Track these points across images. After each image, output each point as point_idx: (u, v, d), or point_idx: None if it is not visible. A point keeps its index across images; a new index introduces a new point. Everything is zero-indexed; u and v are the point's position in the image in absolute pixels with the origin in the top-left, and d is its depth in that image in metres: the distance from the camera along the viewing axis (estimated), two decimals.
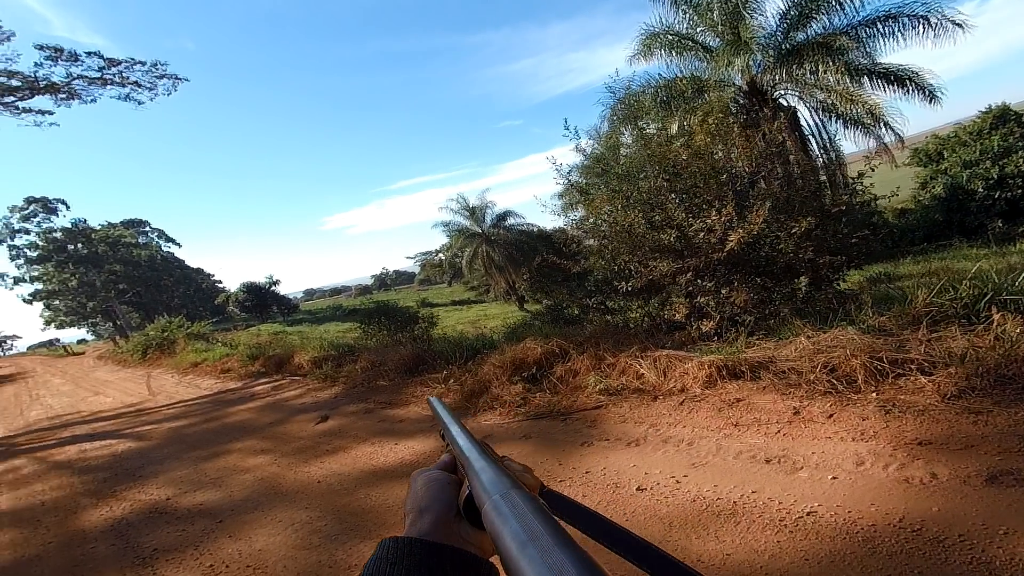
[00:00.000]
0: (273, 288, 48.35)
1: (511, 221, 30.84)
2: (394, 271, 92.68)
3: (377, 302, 11.20)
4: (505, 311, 28.68)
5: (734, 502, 2.61)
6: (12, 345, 68.67)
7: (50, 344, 57.55)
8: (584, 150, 6.66)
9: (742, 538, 2.31)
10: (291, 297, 57.91)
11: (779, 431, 3.28)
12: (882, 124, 13.45)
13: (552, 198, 22.66)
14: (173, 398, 10.09)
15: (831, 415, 3.29)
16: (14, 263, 38.86)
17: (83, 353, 34.75)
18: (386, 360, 7.51)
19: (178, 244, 51.11)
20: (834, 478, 2.63)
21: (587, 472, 3.31)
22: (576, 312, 7.61)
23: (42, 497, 5.11)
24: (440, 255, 47.91)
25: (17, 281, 39.11)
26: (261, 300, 46.49)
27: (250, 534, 3.40)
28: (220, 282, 57.91)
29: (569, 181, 6.29)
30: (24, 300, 39.48)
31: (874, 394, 3.42)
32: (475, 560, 0.46)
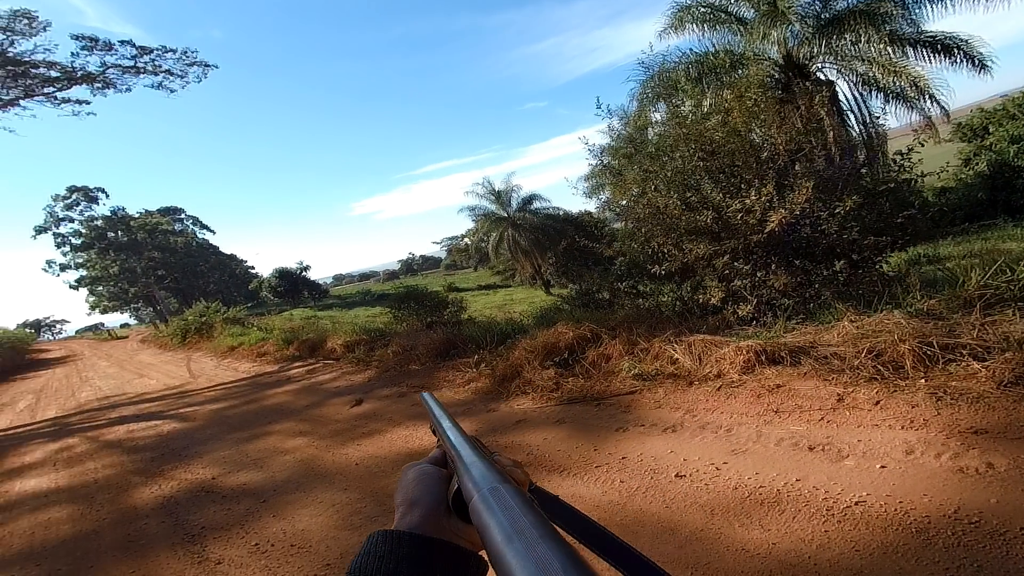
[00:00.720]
0: (304, 274, 49.40)
1: (537, 205, 30.69)
2: (420, 256, 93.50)
3: (407, 287, 11.31)
4: (531, 295, 28.70)
5: (777, 490, 2.56)
6: (62, 329, 72.00)
7: (96, 328, 60.04)
8: (616, 129, 6.53)
9: (787, 527, 2.26)
10: (321, 282, 59.08)
11: (822, 418, 3.19)
12: (927, 97, 12.81)
13: (578, 180, 22.36)
14: (213, 381, 10.43)
15: (877, 402, 3.19)
16: (60, 250, 40.52)
17: (126, 337, 36.22)
18: (417, 345, 7.59)
19: (212, 231, 52.37)
20: (883, 467, 2.55)
21: (623, 457, 3.29)
22: (606, 296, 7.54)
23: (95, 475, 5.35)
24: (466, 240, 48.12)
25: (64, 268, 40.80)
26: (293, 285, 47.57)
27: (293, 514, 3.50)
28: (253, 268, 59.34)
29: (602, 162, 6.16)
30: (71, 286, 41.22)
31: (923, 380, 3.30)
32: (464, 553, 0.47)
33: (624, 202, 6.37)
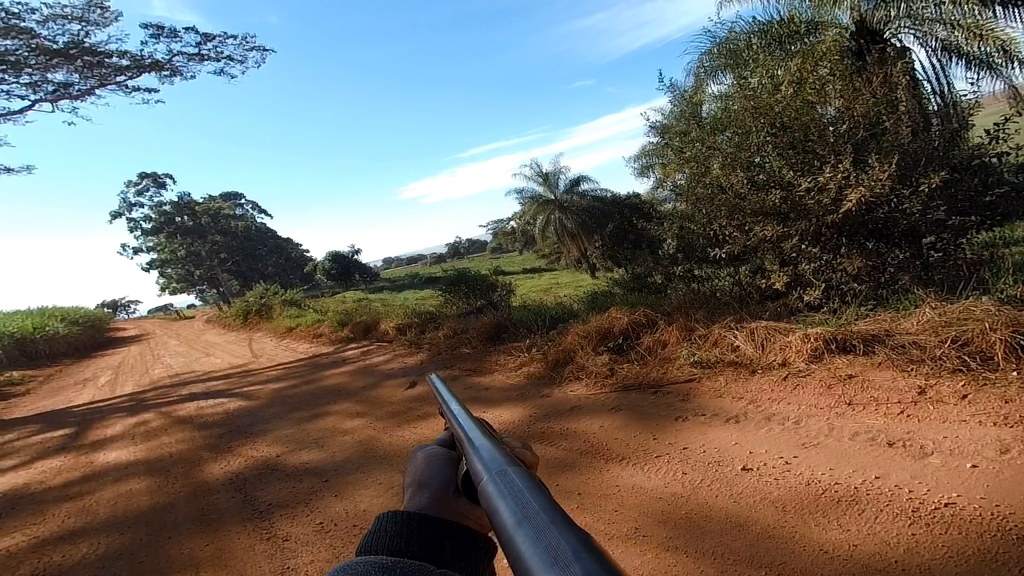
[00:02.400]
0: (356, 257, 50.74)
1: (585, 187, 30.16)
2: (467, 239, 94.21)
3: (457, 270, 11.38)
4: (577, 279, 28.43)
5: (855, 488, 2.41)
6: (135, 309, 76.77)
7: (165, 309, 63.81)
8: (675, 103, 6.26)
9: (869, 528, 2.13)
10: (372, 265, 60.60)
11: (902, 412, 2.99)
12: (1015, 63, 11.70)
13: (629, 160, 21.80)
14: (273, 360, 10.89)
15: (964, 396, 2.96)
16: (132, 234, 43.11)
17: (193, 317, 38.36)
18: (468, 328, 7.65)
19: (270, 215, 54.32)
20: (974, 466, 2.36)
21: (685, 448, 3.19)
22: (659, 280, 7.33)
23: (169, 449, 5.68)
24: (512, 223, 48.04)
25: (136, 251, 43.44)
26: (345, 268, 48.97)
27: (354, 494, 3.59)
28: (308, 251, 61.38)
29: (662, 139, 5.95)
30: (143, 268, 43.87)
31: (1016, 373, 3.04)
32: (473, 535, 0.48)
33: (681, 181, 6.13)
